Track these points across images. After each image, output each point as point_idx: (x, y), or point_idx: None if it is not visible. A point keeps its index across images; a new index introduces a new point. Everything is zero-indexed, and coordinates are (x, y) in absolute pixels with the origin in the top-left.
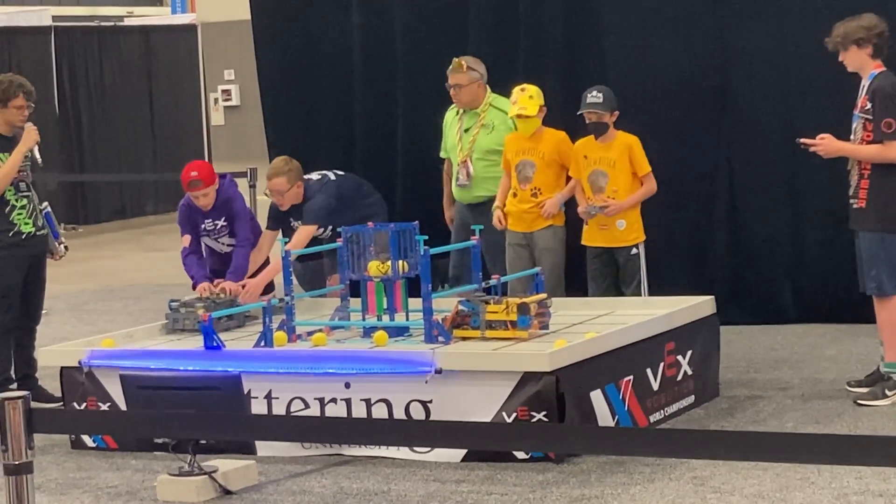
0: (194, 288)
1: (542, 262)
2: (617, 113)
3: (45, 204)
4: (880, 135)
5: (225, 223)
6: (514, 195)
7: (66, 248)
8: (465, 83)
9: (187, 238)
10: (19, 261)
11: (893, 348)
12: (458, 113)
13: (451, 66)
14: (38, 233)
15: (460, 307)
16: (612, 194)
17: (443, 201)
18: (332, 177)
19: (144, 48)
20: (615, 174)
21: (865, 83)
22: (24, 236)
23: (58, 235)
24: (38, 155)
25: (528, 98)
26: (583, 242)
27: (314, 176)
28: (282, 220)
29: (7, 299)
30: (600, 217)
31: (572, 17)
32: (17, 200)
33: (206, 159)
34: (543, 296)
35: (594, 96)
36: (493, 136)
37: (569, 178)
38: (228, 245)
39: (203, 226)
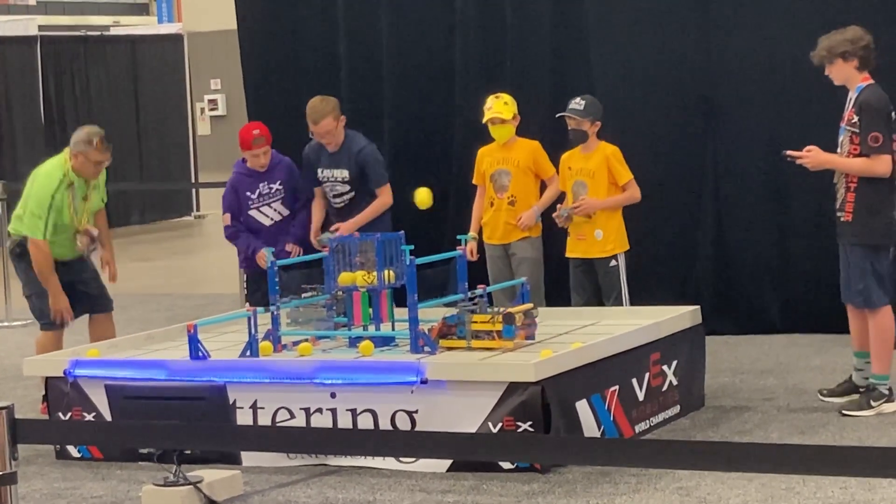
0: (253, 255)
1: (520, 272)
2: (599, 123)
3: None
4: (867, 148)
5: (280, 186)
6: (491, 204)
7: None
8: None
9: (227, 217)
10: None
11: (880, 360)
12: (69, 186)
13: (105, 147)
14: None
15: (446, 317)
16: None
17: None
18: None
19: (131, 58)
20: (594, 184)
21: (853, 96)
22: None
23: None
24: None
25: (502, 104)
26: (566, 254)
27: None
28: (315, 174)
29: None
30: (578, 228)
31: (558, 25)
32: None
33: (192, 169)
34: (529, 306)
35: (576, 103)
36: (99, 193)
37: (543, 188)
38: (277, 213)
39: (256, 193)
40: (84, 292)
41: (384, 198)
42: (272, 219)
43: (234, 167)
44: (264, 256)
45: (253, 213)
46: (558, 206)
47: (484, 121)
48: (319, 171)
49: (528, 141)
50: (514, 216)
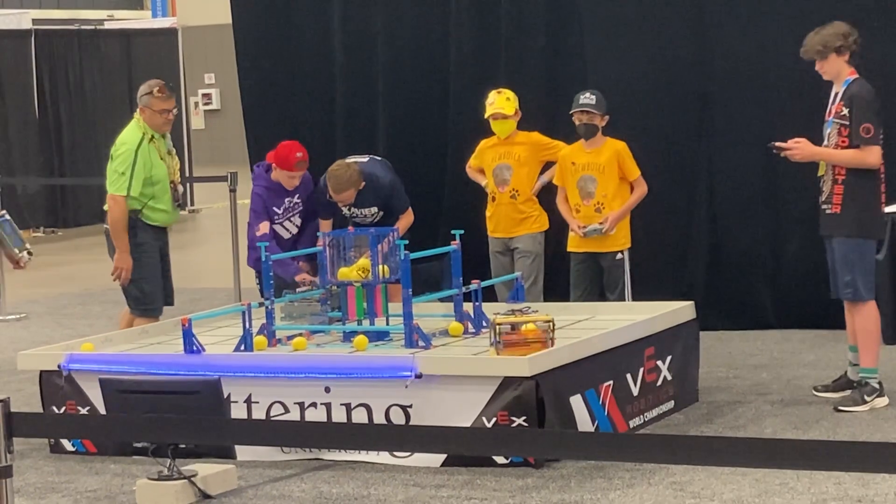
0: (292, 279)
1: (519, 265)
2: (607, 117)
3: (3, 212)
4: (858, 139)
5: (298, 200)
6: (493, 199)
7: (29, 253)
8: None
9: (266, 225)
10: None
11: (869, 354)
12: (150, 140)
13: (168, 94)
14: None
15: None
16: (601, 199)
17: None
18: (378, 159)
19: (125, 52)
20: (604, 179)
21: (839, 90)
22: None
23: (20, 243)
24: None
25: (504, 100)
26: (568, 249)
27: (361, 158)
28: (333, 208)
29: None
30: (589, 223)
31: (554, 22)
32: None
33: (187, 163)
34: (543, 317)
35: (587, 97)
36: (175, 158)
37: (546, 168)
38: (294, 226)
39: (282, 208)
40: (167, 279)
41: (408, 218)
42: (291, 232)
43: (256, 178)
44: (306, 278)
45: (277, 227)
46: (575, 207)
47: (486, 116)
48: (345, 209)
49: (528, 133)
50: (516, 210)
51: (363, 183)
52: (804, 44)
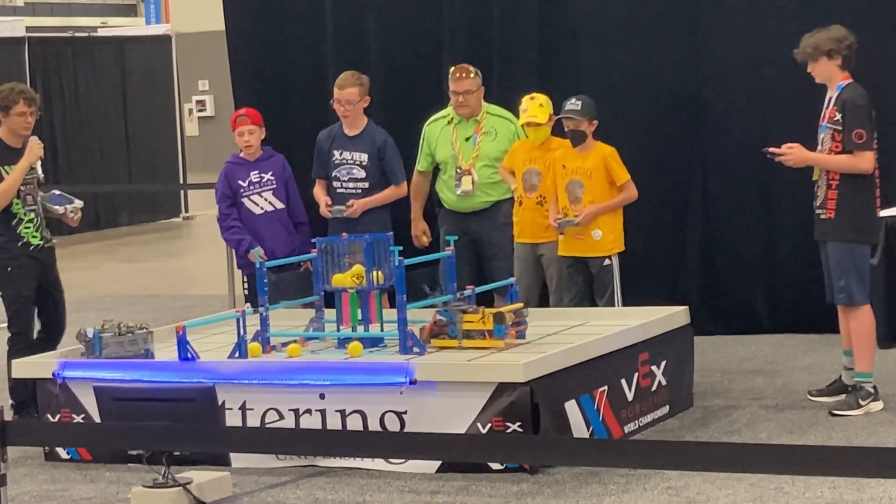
0: (245, 254)
1: (548, 272)
2: (596, 122)
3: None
4: (851, 145)
5: (272, 177)
6: (520, 203)
7: (80, 209)
8: (474, 89)
9: (220, 206)
10: (29, 272)
11: (864, 358)
12: (450, 122)
13: (456, 74)
14: (45, 245)
15: (438, 316)
16: (588, 204)
17: (411, 215)
18: None
19: (119, 59)
20: (592, 185)
21: (833, 94)
22: (32, 248)
23: (64, 201)
24: (40, 170)
25: (538, 106)
26: (559, 253)
27: None
28: (327, 163)
29: (22, 312)
30: (576, 227)
31: (546, 28)
32: (24, 214)
33: (181, 170)
34: (520, 305)
35: (572, 104)
36: (497, 143)
37: None
38: (268, 203)
39: (247, 181)
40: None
41: (401, 189)
42: (263, 208)
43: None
44: (254, 257)
45: (245, 201)
46: (562, 211)
47: (520, 123)
48: (336, 153)
49: (562, 141)
50: (542, 215)
51: (368, 96)
52: (800, 45)
